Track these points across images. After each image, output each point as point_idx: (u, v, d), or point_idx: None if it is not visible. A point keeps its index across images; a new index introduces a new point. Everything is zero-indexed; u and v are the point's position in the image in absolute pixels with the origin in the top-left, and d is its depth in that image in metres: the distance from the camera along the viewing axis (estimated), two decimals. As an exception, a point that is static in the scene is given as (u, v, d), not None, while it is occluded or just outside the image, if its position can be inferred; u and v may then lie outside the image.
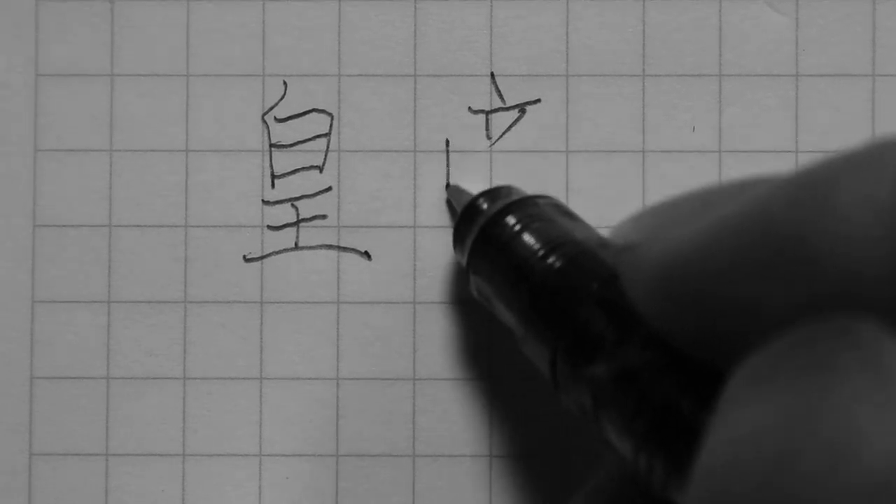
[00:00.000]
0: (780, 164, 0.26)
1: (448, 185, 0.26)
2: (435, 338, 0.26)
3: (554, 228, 0.22)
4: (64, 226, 0.26)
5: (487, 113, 0.26)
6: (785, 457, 0.11)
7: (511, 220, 0.22)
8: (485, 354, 0.26)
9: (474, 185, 0.26)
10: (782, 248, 0.13)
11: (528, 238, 0.22)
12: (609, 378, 0.17)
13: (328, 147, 0.26)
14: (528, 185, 0.26)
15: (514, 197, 0.23)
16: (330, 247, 0.26)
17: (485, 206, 0.24)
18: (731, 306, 0.14)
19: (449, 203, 0.26)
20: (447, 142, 0.26)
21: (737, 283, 0.14)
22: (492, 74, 0.26)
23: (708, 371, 0.15)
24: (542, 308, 0.20)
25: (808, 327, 0.13)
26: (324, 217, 0.26)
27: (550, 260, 0.21)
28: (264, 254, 0.26)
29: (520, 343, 0.21)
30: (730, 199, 0.14)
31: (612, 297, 0.18)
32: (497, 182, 0.26)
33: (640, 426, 0.16)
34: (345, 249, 0.26)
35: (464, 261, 0.24)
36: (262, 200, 0.26)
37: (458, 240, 0.24)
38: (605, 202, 0.26)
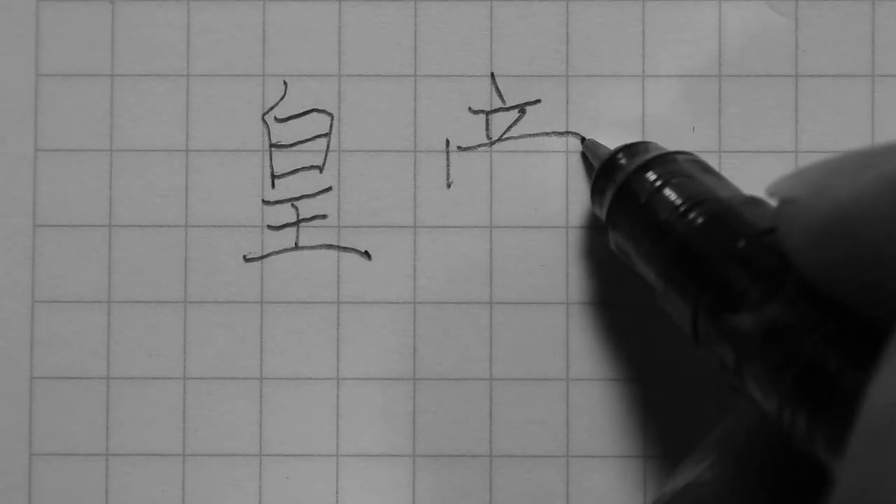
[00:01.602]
0: (781, 164, 0.26)
1: (583, 140, 0.26)
2: (435, 338, 0.26)
3: (694, 184, 0.22)
4: (64, 226, 0.26)
5: (487, 113, 0.26)
6: None
7: (651, 175, 0.22)
8: (486, 354, 0.26)
9: (481, 180, 0.26)
10: None
11: (668, 193, 0.22)
12: (756, 332, 0.17)
13: (328, 147, 0.26)
14: (528, 185, 0.26)
15: (654, 153, 0.23)
16: (330, 247, 0.26)
17: (623, 161, 0.24)
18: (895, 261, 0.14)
19: (584, 157, 0.26)
20: (447, 142, 0.26)
21: None
22: (492, 74, 0.26)
23: (861, 328, 0.15)
24: (683, 264, 0.20)
25: None
26: (324, 217, 0.26)
27: (692, 216, 0.21)
28: (264, 254, 0.26)
29: (659, 298, 0.21)
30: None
31: (760, 253, 0.18)
32: (501, 180, 0.26)
33: (786, 381, 0.16)
34: (345, 249, 0.26)
35: (603, 216, 0.24)
36: (262, 200, 0.26)
37: (597, 194, 0.24)
38: (605, 202, 0.26)
